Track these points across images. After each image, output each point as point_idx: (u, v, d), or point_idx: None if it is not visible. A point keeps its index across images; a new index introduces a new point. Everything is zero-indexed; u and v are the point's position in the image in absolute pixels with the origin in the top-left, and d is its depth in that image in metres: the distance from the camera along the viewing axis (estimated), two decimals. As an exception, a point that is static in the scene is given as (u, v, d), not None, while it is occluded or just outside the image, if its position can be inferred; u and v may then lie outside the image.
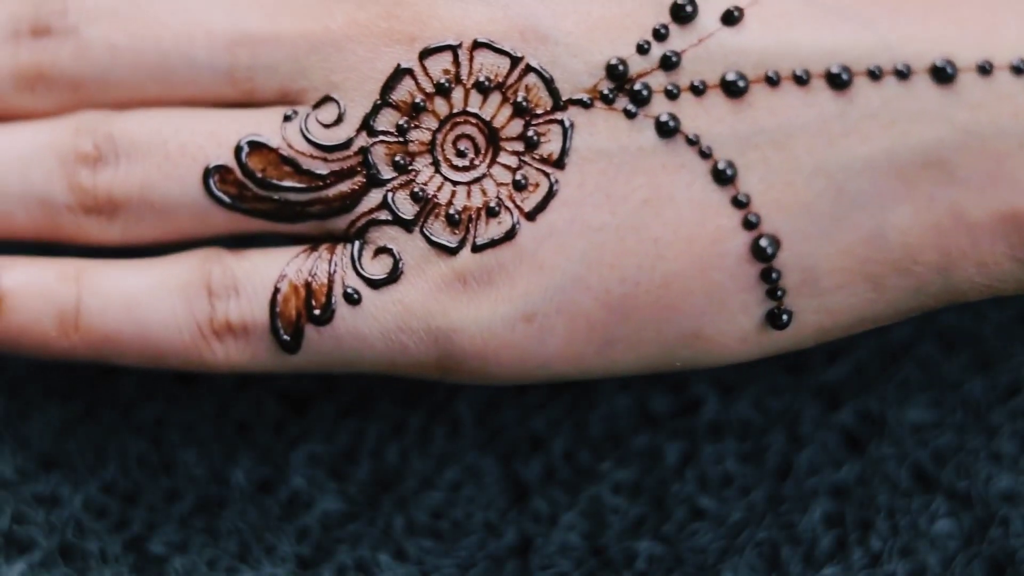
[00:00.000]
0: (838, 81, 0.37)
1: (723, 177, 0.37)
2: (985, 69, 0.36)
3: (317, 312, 0.39)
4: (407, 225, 0.39)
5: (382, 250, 0.39)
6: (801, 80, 0.37)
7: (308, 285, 0.40)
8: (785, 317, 0.38)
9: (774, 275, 0.38)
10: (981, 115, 0.36)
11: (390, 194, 0.39)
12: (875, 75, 0.36)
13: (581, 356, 0.39)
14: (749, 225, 0.37)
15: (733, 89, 0.37)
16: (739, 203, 0.37)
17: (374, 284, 0.39)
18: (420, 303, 0.39)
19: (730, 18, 0.37)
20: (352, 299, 0.39)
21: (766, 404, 0.47)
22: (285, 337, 0.40)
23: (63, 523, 0.46)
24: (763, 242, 0.37)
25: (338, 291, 0.40)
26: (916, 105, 0.36)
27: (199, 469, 0.47)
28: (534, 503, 0.47)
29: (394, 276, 0.39)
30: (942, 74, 0.36)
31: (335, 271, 0.40)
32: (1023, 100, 0.36)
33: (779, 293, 0.38)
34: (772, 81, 0.37)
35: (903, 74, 0.36)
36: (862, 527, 0.47)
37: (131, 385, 0.47)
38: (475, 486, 0.47)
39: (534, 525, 0.47)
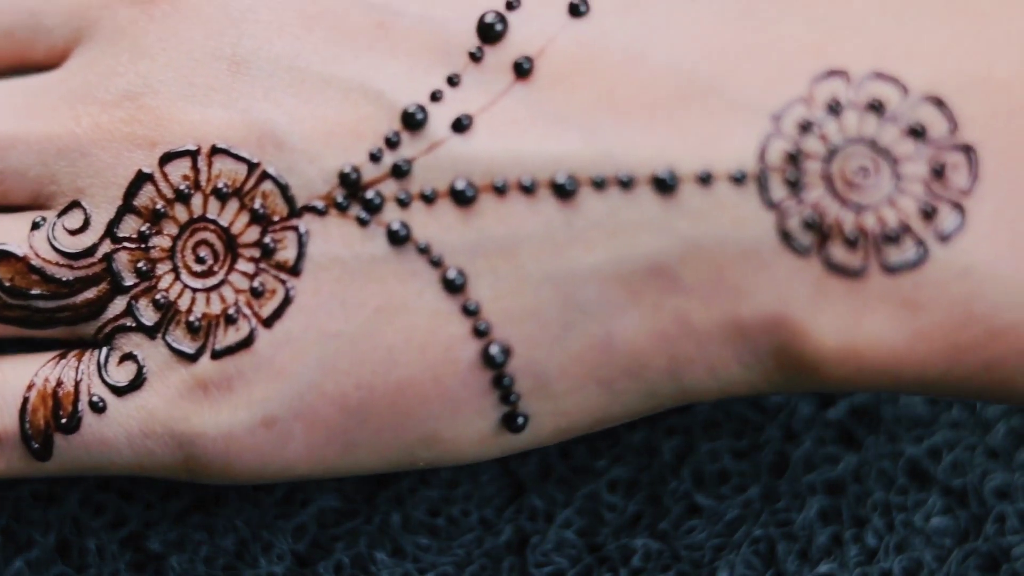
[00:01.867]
0: (563, 191, 0.37)
1: (453, 286, 0.38)
2: (705, 179, 0.36)
3: (64, 421, 0.40)
4: (150, 332, 0.40)
5: (128, 356, 0.40)
6: (527, 189, 0.37)
7: (55, 394, 0.40)
8: (520, 420, 0.39)
9: (506, 381, 0.38)
10: (702, 225, 0.36)
11: (133, 301, 0.40)
12: (599, 185, 0.37)
13: (323, 458, 0.39)
14: (479, 333, 0.38)
15: (462, 198, 0.38)
16: (469, 311, 0.38)
17: (118, 391, 0.40)
18: (163, 409, 0.40)
19: (460, 126, 0.38)
20: (97, 407, 0.40)
21: (761, 400, 0.47)
22: (35, 446, 0.40)
23: (60, 520, 0.46)
24: (493, 350, 0.38)
25: (84, 399, 0.40)
26: (639, 215, 0.36)
27: (196, 467, 0.47)
28: (530, 500, 0.47)
29: (137, 383, 0.40)
30: (663, 184, 0.36)
31: (81, 379, 0.40)
32: (743, 210, 0.36)
33: (512, 398, 0.38)
34: (499, 190, 0.37)
35: (626, 184, 0.37)
36: (858, 523, 0.46)
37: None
38: (472, 483, 0.47)
39: (530, 522, 0.47)
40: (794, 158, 0.36)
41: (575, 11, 0.38)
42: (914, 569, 0.46)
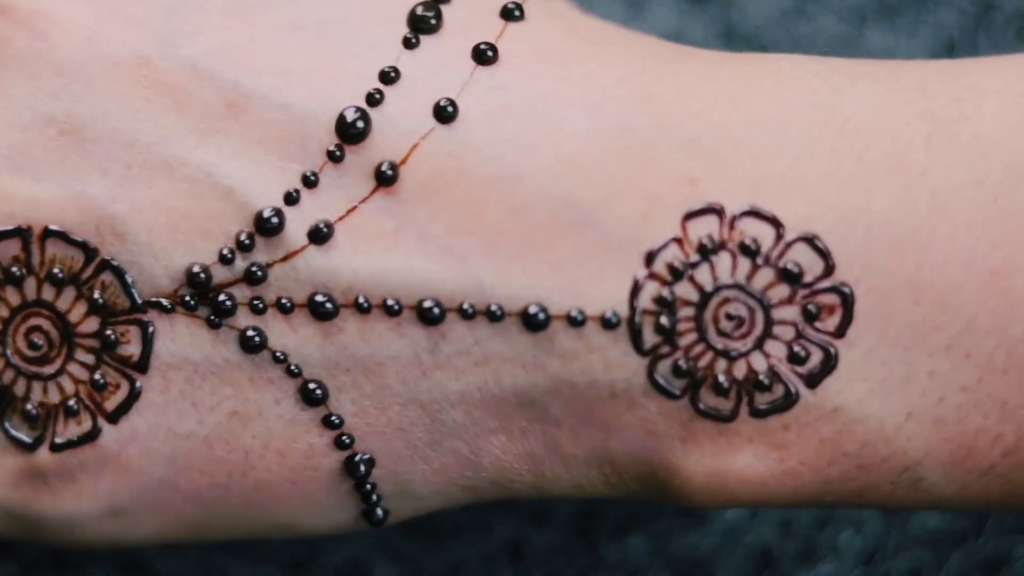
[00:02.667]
0: (430, 317, 0.36)
1: (312, 399, 0.37)
2: (576, 321, 0.35)
3: None
4: None
5: None
6: (392, 311, 0.36)
7: None
8: (380, 514, 0.38)
9: (368, 487, 0.38)
10: (572, 366, 0.36)
11: None
12: (467, 314, 0.36)
13: (176, 536, 0.39)
14: (342, 445, 0.37)
15: (321, 313, 0.36)
16: (331, 424, 0.37)
17: None
18: (1, 494, 0.38)
19: (319, 235, 0.36)
20: None
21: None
22: None
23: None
24: (356, 460, 0.37)
25: None
26: (508, 349, 0.36)
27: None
28: (527, 502, 0.47)
29: None
30: (534, 321, 0.35)
31: None
32: (614, 354, 0.35)
33: (374, 499, 0.38)
34: (362, 308, 0.36)
35: (495, 316, 0.36)
36: (856, 524, 0.46)
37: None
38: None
39: (526, 523, 0.47)
40: (666, 303, 0.35)
41: (441, 114, 0.36)
42: (913, 571, 0.46)
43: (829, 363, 0.35)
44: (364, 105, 0.36)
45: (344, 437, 0.37)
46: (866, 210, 0.35)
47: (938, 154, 0.35)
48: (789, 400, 0.35)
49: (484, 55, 0.36)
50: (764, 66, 0.37)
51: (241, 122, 0.36)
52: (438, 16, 0.37)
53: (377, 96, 0.36)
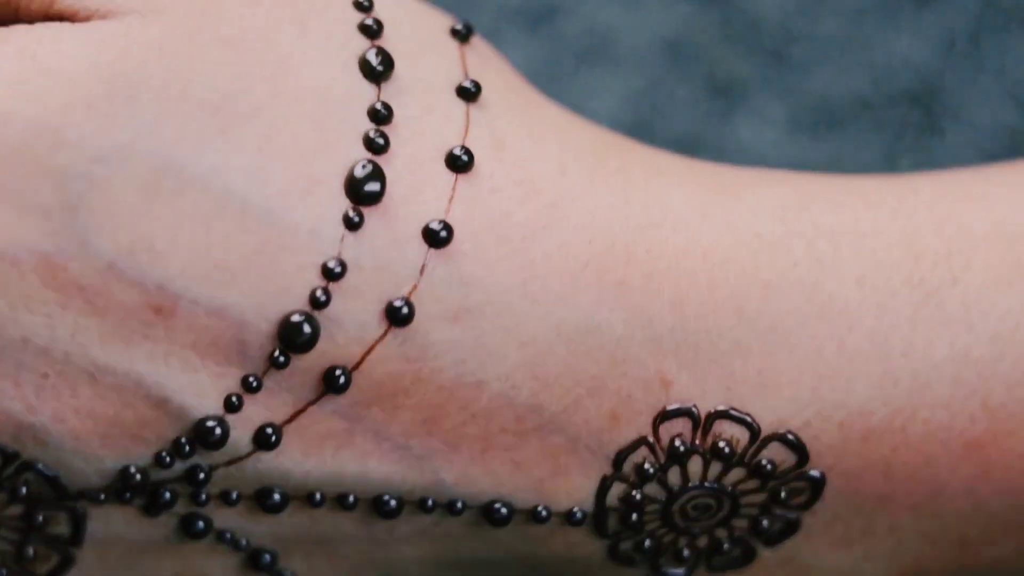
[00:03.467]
0: (386, 510, 0.34)
1: (261, 564, 0.35)
2: (540, 516, 0.34)
3: None
4: None
5: None
6: (347, 505, 0.34)
7: None
8: None
9: None
10: (533, 543, 0.35)
11: None
12: (427, 508, 0.34)
13: None
14: None
15: (269, 506, 0.34)
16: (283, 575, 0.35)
17: None
18: None
19: (265, 441, 0.33)
20: None
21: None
22: None
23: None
24: None
25: None
26: (468, 532, 0.35)
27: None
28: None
29: None
30: (496, 516, 0.34)
31: None
32: (576, 536, 0.35)
33: None
34: (315, 502, 0.34)
35: (457, 511, 0.34)
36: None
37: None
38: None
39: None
40: (633, 503, 0.34)
41: (395, 316, 0.32)
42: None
43: (790, 529, 0.35)
44: (308, 308, 0.32)
45: None
46: (844, 403, 0.34)
47: (922, 330, 0.34)
48: (747, 558, 0.35)
49: (437, 237, 0.33)
50: (744, 227, 0.35)
51: (170, 327, 0.32)
52: (380, 180, 0.32)
53: (322, 298, 0.32)
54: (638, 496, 0.34)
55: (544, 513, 0.34)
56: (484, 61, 0.35)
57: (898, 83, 0.50)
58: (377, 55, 0.33)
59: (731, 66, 0.50)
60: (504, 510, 0.34)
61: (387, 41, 0.34)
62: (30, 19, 0.33)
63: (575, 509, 0.34)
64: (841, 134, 0.49)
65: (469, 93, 0.34)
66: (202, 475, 0.33)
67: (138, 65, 0.32)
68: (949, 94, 0.50)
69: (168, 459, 0.33)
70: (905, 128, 0.49)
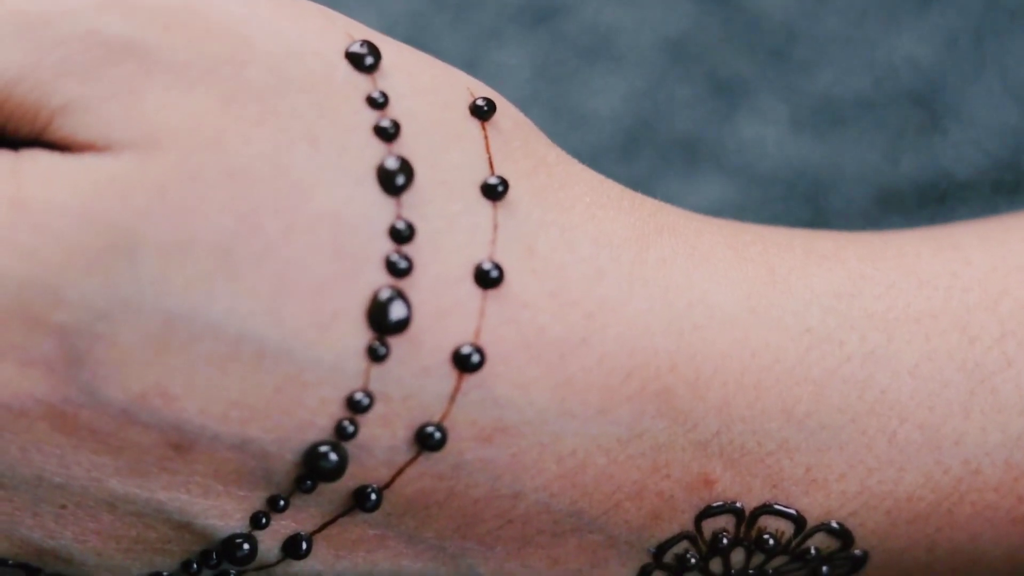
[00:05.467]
0: None
1: None
2: None
3: None
4: None
5: None
6: None
7: None
8: None
9: None
10: None
11: None
12: None
13: None
14: None
15: None
16: None
17: None
18: None
19: (295, 551, 0.32)
20: None
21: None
22: None
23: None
24: None
25: None
26: None
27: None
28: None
29: None
30: None
31: None
32: None
33: None
34: None
35: None
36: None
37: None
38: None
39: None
40: None
41: (427, 442, 0.31)
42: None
43: None
44: (335, 438, 0.31)
45: None
46: (892, 492, 0.34)
47: (975, 417, 0.34)
48: None
49: (468, 361, 0.31)
50: (793, 321, 0.34)
51: (190, 460, 0.31)
52: (406, 306, 0.31)
53: (349, 428, 0.31)
54: None
55: None
56: (508, 138, 0.33)
57: (900, 82, 0.50)
58: (396, 162, 0.31)
59: (733, 65, 0.50)
60: None
61: (405, 141, 0.32)
62: (17, 142, 0.31)
63: None
64: (843, 133, 0.49)
65: (495, 192, 0.32)
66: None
67: (139, 214, 0.30)
68: (951, 93, 0.50)
69: (195, 567, 0.33)
70: (907, 128, 0.49)
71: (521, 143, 0.33)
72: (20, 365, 0.30)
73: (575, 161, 0.34)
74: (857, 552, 0.34)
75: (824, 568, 0.34)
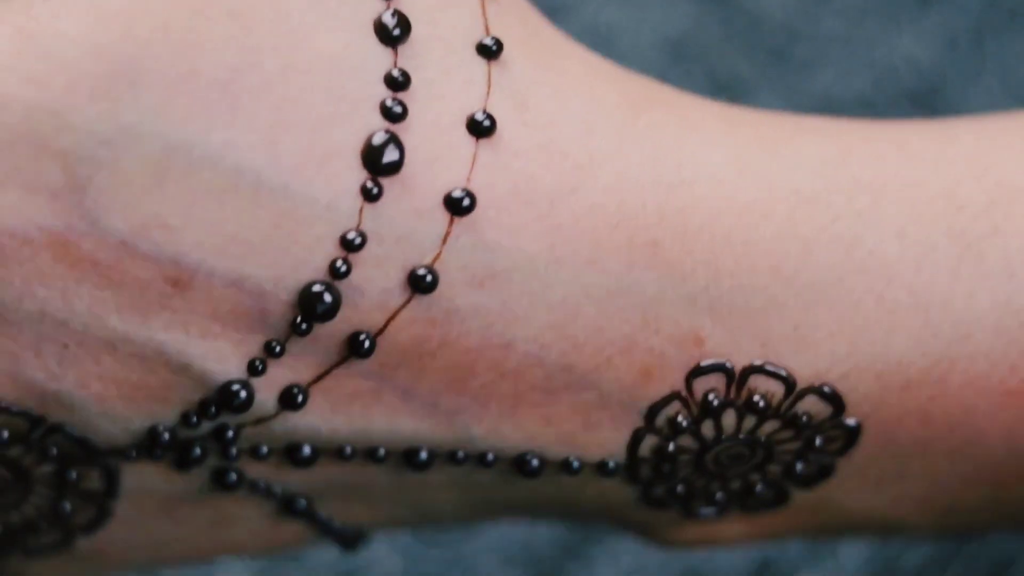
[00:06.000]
0: (417, 463, 0.34)
1: (296, 510, 0.35)
2: (571, 468, 0.34)
3: None
4: None
5: None
6: (377, 458, 0.34)
7: None
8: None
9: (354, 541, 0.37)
10: (563, 494, 0.35)
11: None
12: (457, 460, 0.34)
13: None
14: (330, 530, 0.36)
15: (299, 460, 0.34)
16: (318, 520, 0.36)
17: None
18: None
19: (291, 400, 0.33)
20: None
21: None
22: None
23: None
24: (344, 533, 0.36)
25: None
26: (499, 483, 0.35)
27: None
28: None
29: None
30: (527, 468, 0.34)
31: None
32: (608, 485, 0.35)
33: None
34: (344, 455, 0.34)
35: (488, 463, 0.34)
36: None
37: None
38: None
39: (527, 522, 0.47)
40: (666, 455, 0.34)
41: (419, 284, 0.32)
42: (917, 573, 0.46)
43: (824, 473, 0.35)
44: (328, 278, 0.32)
45: (332, 526, 0.36)
46: (883, 355, 0.34)
47: (963, 281, 0.34)
48: (780, 500, 0.35)
49: (459, 205, 0.32)
50: (781, 182, 0.34)
51: (188, 298, 0.32)
52: (399, 149, 0.32)
53: (342, 268, 0.32)
54: (671, 447, 0.34)
55: (576, 465, 0.34)
56: (505, 9, 0.34)
57: (900, 82, 0.50)
58: (393, 17, 0.32)
59: (733, 65, 0.50)
60: (535, 462, 0.34)
61: (403, 1, 0.33)
62: None
63: (607, 460, 0.34)
64: (843, 133, 0.50)
65: (490, 51, 0.33)
66: (230, 434, 0.33)
67: (142, 46, 0.31)
68: (951, 93, 0.50)
69: (195, 419, 0.33)
70: (907, 127, 0.50)
71: (518, 15, 0.34)
72: (26, 191, 0.31)
73: (571, 39, 0.35)
74: (850, 422, 0.34)
75: (817, 440, 0.34)
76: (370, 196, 0.31)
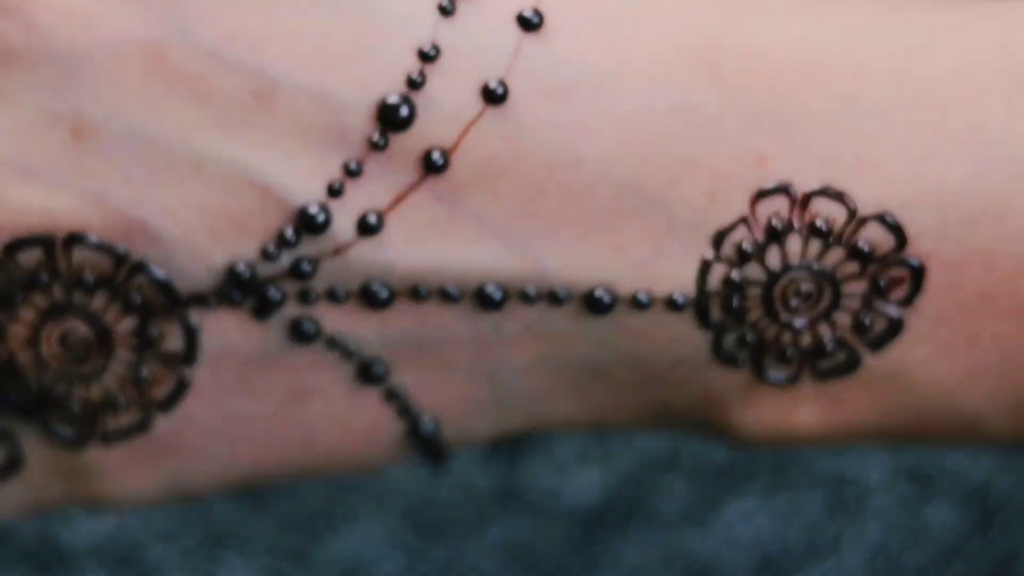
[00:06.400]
0: (490, 302, 0.35)
1: (372, 376, 0.36)
2: (642, 302, 0.35)
3: None
4: (29, 417, 0.36)
5: (4, 437, 0.37)
6: (451, 298, 0.35)
7: None
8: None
9: (435, 447, 0.37)
10: (638, 340, 0.36)
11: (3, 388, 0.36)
12: (529, 298, 0.35)
13: (235, 487, 0.38)
14: (406, 413, 0.37)
15: (376, 302, 0.35)
16: (393, 396, 0.36)
17: None
18: (51, 488, 0.37)
19: (368, 228, 0.34)
20: None
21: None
22: None
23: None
24: (423, 427, 0.37)
25: None
26: (572, 327, 0.36)
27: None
28: (528, 497, 0.47)
29: (13, 468, 0.37)
30: (599, 304, 0.35)
31: None
32: (679, 328, 0.35)
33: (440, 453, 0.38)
34: (419, 296, 0.35)
35: (559, 299, 0.35)
36: (859, 524, 0.47)
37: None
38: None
39: (528, 520, 0.47)
40: (735, 286, 0.35)
41: (491, 96, 0.34)
42: (918, 570, 0.46)
43: (894, 330, 0.35)
44: (405, 89, 0.34)
45: (409, 406, 0.36)
46: (942, 185, 0.35)
47: (1018, 119, 0.35)
48: (852, 364, 0.36)
49: (529, 22, 0.34)
50: (837, 20, 0.36)
51: (272, 113, 0.34)
52: None
53: (418, 79, 0.33)
54: (738, 277, 0.35)
55: (645, 299, 0.35)
56: None
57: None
58: None
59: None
60: (606, 297, 0.35)
61: None
62: None
63: (676, 294, 0.35)
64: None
65: None
66: (308, 267, 0.34)
67: None
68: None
69: (275, 252, 0.34)
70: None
71: None
72: (123, 5, 0.33)
73: None
74: (914, 261, 0.35)
75: (882, 281, 0.35)
76: (445, 11, 0.34)
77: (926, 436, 0.37)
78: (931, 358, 0.36)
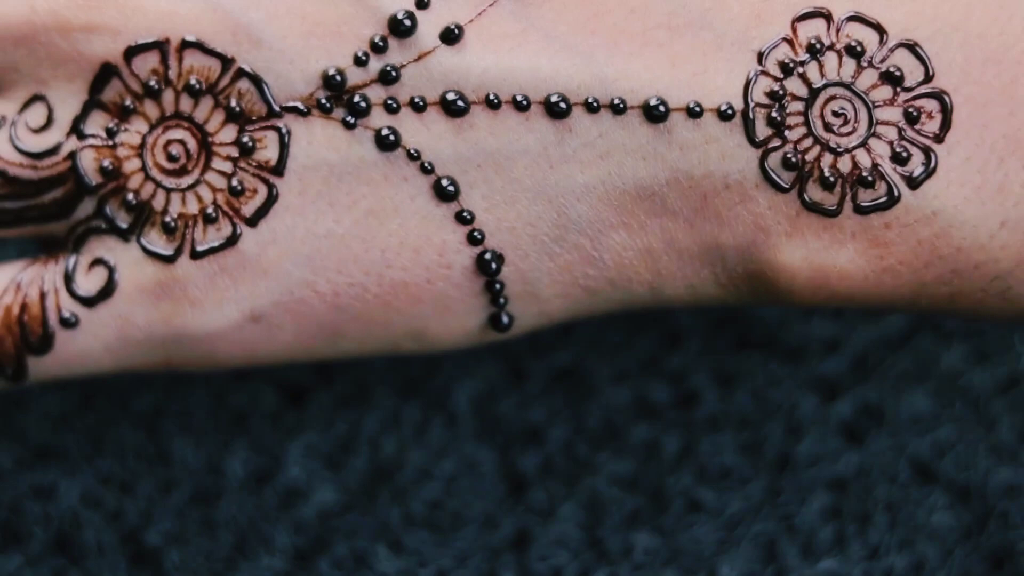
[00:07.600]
0: (557, 110, 0.37)
1: (446, 194, 0.38)
2: (694, 112, 0.37)
3: (35, 342, 0.39)
4: (123, 234, 0.38)
5: (98, 261, 0.38)
6: (521, 106, 0.38)
7: (21, 319, 0.38)
8: (506, 320, 0.39)
9: (498, 286, 0.39)
10: (690, 156, 0.38)
11: (103, 202, 0.38)
12: (592, 107, 0.37)
13: (310, 348, 0.39)
14: (474, 240, 0.38)
15: (453, 109, 0.38)
16: (463, 219, 0.38)
17: (89, 302, 0.38)
18: (140, 314, 0.38)
19: (450, 36, 0.37)
20: (68, 323, 0.38)
21: (764, 395, 0.47)
22: (8, 371, 0.39)
23: (60, 514, 0.46)
24: (488, 256, 0.38)
25: (53, 317, 0.38)
26: (630, 141, 0.38)
27: (196, 460, 0.47)
28: (532, 495, 0.47)
29: (109, 290, 0.38)
30: (654, 113, 0.37)
31: (48, 295, 0.38)
32: (728, 143, 0.37)
33: (502, 301, 0.39)
34: (493, 104, 0.38)
35: (619, 109, 0.37)
36: (860, 519, 0.46)
37: (127, 375, 0.47)
38: (472, 478, 0.47)
39: (532, 517, 0.46)
40: (777, 97, 0.37)
41: None
42: (917, 566, 0.46)
43: (929, 165, 0.37)
44: None
45: (476, 232, 0.38)
46: (963, 24, 0.37)
47: None
48: (891, 199, 0.37)
49: None
50: None
51: None
52: None
53: None
54: (781, 90, 0.37)
55: (697, 108, 0.37)
56: None
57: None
58: None
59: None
60: (661, 106, 0.37)
61: None
62: None
63: (725, 104, 0.37)
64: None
65: None
66: (393, 73, 0.37)
67: None
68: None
69: (364, 57, 0.37)
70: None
71: None
72: None
73: None
74: (944, 95, 0.37)
75: (912, 110, 0.37)
76: None
77: (960, 300, 0.38)
78: (964, 204, 0.37)
